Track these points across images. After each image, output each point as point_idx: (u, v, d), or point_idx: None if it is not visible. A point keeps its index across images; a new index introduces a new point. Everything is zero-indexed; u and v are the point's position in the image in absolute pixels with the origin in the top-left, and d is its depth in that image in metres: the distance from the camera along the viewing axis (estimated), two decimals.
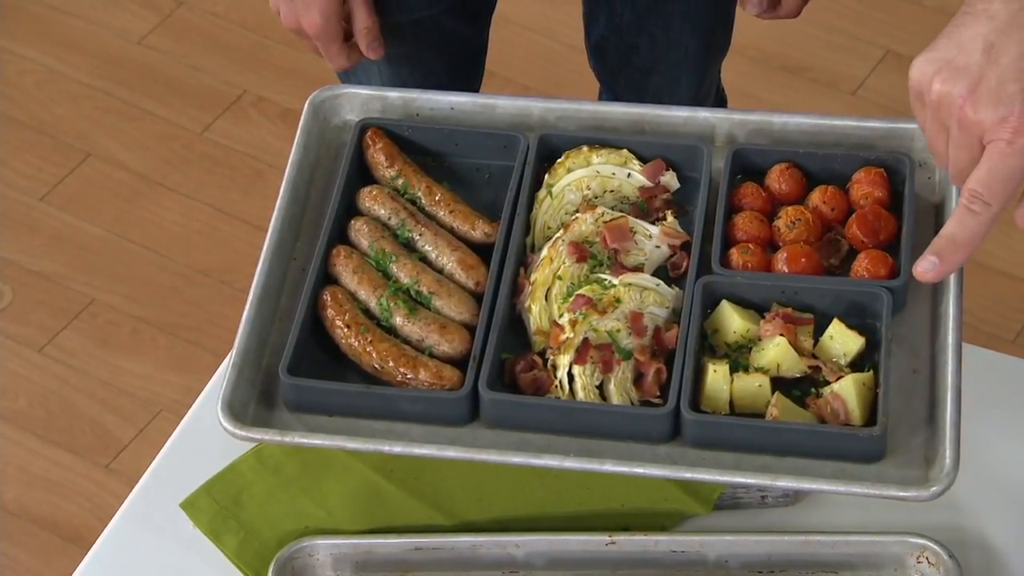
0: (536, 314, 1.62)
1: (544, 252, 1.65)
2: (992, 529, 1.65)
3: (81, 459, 2.96)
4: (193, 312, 3.17)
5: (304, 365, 1.59)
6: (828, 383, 1.54)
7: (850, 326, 1.57)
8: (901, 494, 1.47)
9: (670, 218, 1.68)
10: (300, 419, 1.58)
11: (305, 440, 1.55)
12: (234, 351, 1.59)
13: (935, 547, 1.60)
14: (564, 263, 1.64)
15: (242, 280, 3.20)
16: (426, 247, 1.68)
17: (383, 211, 1.70)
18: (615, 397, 1.57)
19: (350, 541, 1.64)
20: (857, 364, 1.56)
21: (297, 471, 1.71)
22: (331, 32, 1.84)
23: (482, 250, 1.68)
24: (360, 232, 1.69)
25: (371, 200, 1.71)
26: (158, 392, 3.06)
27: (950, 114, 1.38)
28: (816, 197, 1.68)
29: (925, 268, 1.45)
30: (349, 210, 1.72)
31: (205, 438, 1.75)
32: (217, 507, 1.69)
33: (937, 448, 1.49)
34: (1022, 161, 1.35)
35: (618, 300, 1.60)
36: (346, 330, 1.61)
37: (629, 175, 1.71)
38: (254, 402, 1.59)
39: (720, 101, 2.38)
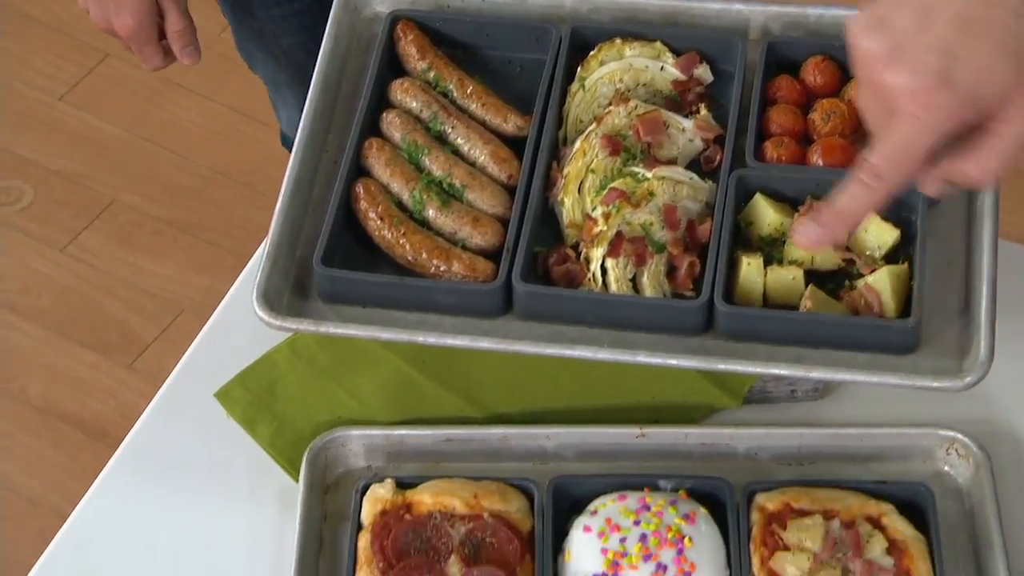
0: (569, 207, 1.62)
1: (577, 145, 1.64)
2: (1022, 422, 1.65)
3: (105, 358, 2.98)
4: (214, 213, 3.17)
5: (338, 256, 1.59)
6: (862, 275, 1.54)
7: (885, 219, 1.56)
8: (935, 384, 1.46)
9: (703, 111, 1.67)
10: (334, 310, 1.58)
11: (339, 330, 1.55)
12: (268, 241, 1.59)
13: (965, 439, 1.61)
14: (597, 156, 1.63)
15: (262, 182, 3.19)
16: (458, 140, 1.67)
17: (415, 104, 1.69)
18: (648, 290, 1.56)
19: (382, 432, 1.65)
20: (891, 257, 1.56)
21: (330, 362, 1.71)
22: (144, 35, 1.80)
23: (514, 143, 1.67)
24: (392, 124, 1.68)
25: (403, 92, 1.70)
26: (180, 292, 3.06)
27: (870, 72, 1.26)
28: (852, 90, 1.66)
29: (803, 233, 1.31)
30: (381, 102, 1.71)
31: (234, 334, 1.76)
32: (251, 396, 1.70)
33: (972, 338, 1.48)
34: (928, 140, 1.23)
35: (651, 193, 1.59)
36: (379, 222, 1.60)
37: (662, 68, 1.70)
38: (288, 292, 1.58)
39: None
